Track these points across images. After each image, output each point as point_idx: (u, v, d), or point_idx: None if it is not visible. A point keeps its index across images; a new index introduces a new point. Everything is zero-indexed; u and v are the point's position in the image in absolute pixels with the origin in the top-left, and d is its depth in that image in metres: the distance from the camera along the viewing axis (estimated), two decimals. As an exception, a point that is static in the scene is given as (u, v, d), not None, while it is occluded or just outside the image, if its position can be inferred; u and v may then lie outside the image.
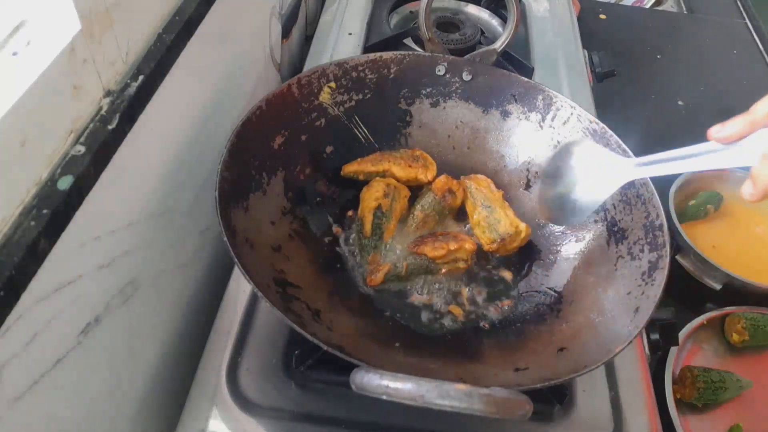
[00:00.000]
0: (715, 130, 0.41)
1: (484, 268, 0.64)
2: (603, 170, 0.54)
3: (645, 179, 0.58)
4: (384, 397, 0.37)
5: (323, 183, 0.66)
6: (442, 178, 0.65)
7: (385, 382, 0.37)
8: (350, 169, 0.67)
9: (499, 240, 0.62)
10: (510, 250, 0.64)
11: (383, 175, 0.66)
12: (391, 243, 0.63)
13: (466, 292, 0.62)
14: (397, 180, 0.66)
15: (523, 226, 0.63)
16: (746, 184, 0.40)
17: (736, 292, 0.82)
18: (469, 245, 0.61)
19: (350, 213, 0.66)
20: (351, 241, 0.64)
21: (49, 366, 0.42)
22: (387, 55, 0.68)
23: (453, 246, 0.61)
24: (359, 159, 0.67)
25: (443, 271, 0.62)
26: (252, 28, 0.78)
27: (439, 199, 0.64)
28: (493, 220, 0.63)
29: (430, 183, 0.66)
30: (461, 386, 0.36)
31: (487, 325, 0.59)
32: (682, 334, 0.77)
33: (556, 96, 0.67)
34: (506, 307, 0.61)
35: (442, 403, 0.35)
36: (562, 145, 0.62)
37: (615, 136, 0.62)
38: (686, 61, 1.25)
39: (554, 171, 0.59)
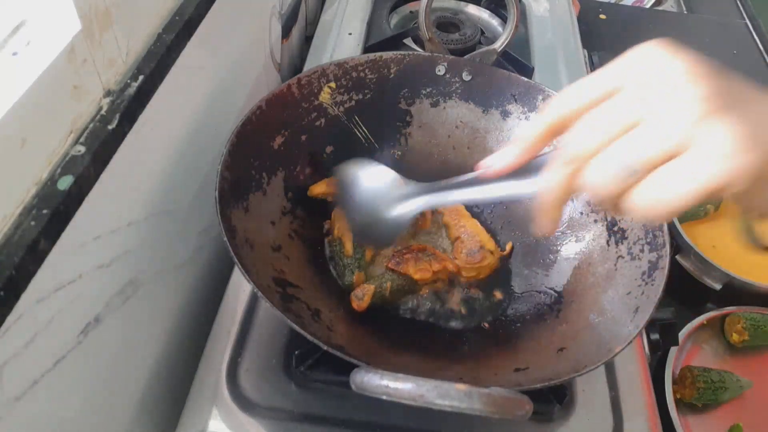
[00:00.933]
0: (484, 164, 0.35)
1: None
2: (394, 197, 0.50)
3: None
4: (384, 397, 0.37)
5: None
6: None
7: (385, 382, 0.37)
8: (318, 190, 0.63)
9: (477, 250, 0.62)
10: (482, 272, 0.62)
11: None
12: (371, 261, 0.62)
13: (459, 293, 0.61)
14: None
15: (494, 247, 0.63)
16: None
17: (736, 292, 0.82)
18: (450, 265, 0.61)
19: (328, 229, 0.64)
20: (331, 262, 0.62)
21: (49, 366, 0.42)
22: (387, 55, 0.68)
23: (436, 267, 0.59)
24: (325, 180, 0.64)
25: (424, 291, 0.61)
26: (252, 28, 0.78)
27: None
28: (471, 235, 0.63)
29: None
30: (461, 386, 0.36)
31: (487, 325, 0.59)
32: (682, 334, 0.77)
33: (556, 96, 0.67)
34: (500, 301, 0.61)
35: (442, 403, 0.35)
36: (343, 171, 0.57)
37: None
38: (686, 61, 1.25)
39: (350, 198, 0.55)
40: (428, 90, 0.70)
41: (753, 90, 0.30)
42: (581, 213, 0.64)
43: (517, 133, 0.69)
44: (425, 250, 0.62)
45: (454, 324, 0.59)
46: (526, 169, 0.34)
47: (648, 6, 1.50)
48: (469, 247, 0.62)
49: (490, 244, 0.63)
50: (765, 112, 0.28)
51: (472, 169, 0.69)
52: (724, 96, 0.28)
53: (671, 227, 0.84)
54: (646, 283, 0.53)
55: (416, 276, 0.59)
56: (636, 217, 0.30)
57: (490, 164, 0.35)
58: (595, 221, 0.62)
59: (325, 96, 0.66)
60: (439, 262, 0.60)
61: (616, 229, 0.60)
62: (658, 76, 0.29)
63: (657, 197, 0.28)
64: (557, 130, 0.32)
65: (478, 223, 0.65)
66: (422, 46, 0.91)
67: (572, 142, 0.30)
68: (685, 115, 0.27)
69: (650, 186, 0.28)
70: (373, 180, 0.54)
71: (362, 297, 0.57)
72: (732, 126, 0.27)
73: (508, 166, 0.34)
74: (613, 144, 0.29)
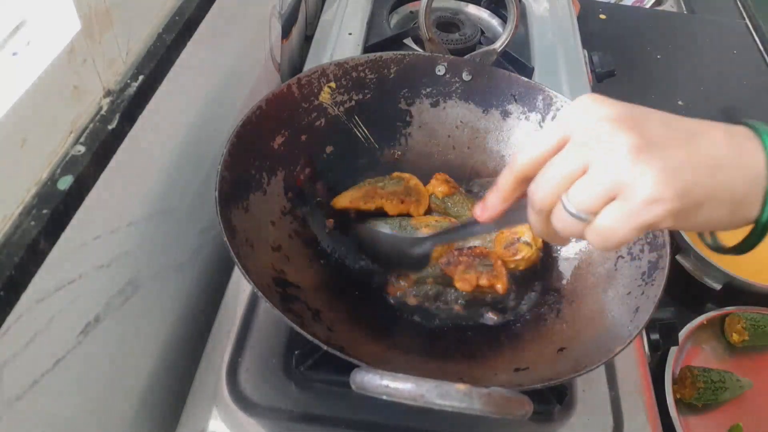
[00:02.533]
0: (478, 212, 0.41)
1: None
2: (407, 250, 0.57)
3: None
4: (384, 397, 0.37)
5: (323, 183, 0.66)
6: None
7: (385, 382, 0.37)
8: (342, 203, 0.64)
9: (514, 243, 0.61)
10: (519, 264, 0.62)
11: (376, 212, 0.64)
12: None
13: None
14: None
15: (534, 239, 0.62)
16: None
17: (736, 292, 0.82)
18: (500, 286, 0.59)
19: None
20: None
21: (49, 366, 0.42)
22: (387, 55, 0.68)
23: (483, 282, 0.59)
24: (351, 191, 0.65)
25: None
26: (252, 28, 0.78)
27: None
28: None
29: None
30: (461, 386, 0.36)
31: (494, 315, 0.59)
32: (682, 334, 0.76)
33: (557, 96, 0.67)
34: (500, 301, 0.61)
35: (442, 403, 0.35)
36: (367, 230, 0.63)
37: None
38: (686, 61, 1.25)
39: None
40: (428, 90, 0.70)
41: (675, 128, 0.34)
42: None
43: (518, 133, 0.69)
44: (486, 256, 0.61)
45: (454, 323, 0.59)
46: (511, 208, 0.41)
47: (648, 6, 1.50)
48: (508, 239, 0.62)
49: (530, 236, 0.62)
50: (687, 151, 0.32)
51: (472, 169, 0.70)
52: (648, 142, 0.32)
53: (671, 227, 0.84)
54: (646, 283, 0.53)
55: (457, 284, 0.59)
56: (597, 248, 0.35)
57: (479, 214, 0.41)
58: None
59: (325, 96, 0.66)
60: (489, 279, 0.59)
61: (616, 229, 0.60)
62: (593, 128, 0.34)
63: (604, 235, 0.34)
64: (524, 181, 0.38)
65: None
66: (422, 46, 0.91)
67: (536, 192, 0.36)
68: (615, 165, 0.32)
69: (598, 226, 0.34)
70: (389, 238, 0.60)
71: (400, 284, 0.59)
72: (653, 172, 0.31)
73: (495, 215, 0.40)
74: (564, 194, 0.34)
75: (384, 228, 0.61)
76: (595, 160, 0.33)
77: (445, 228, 0.60)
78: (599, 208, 0.33)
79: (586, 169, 0.33)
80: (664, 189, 0.31)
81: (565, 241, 0.39)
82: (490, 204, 0.40)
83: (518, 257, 0.61)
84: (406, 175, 0.67)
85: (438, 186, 0.66)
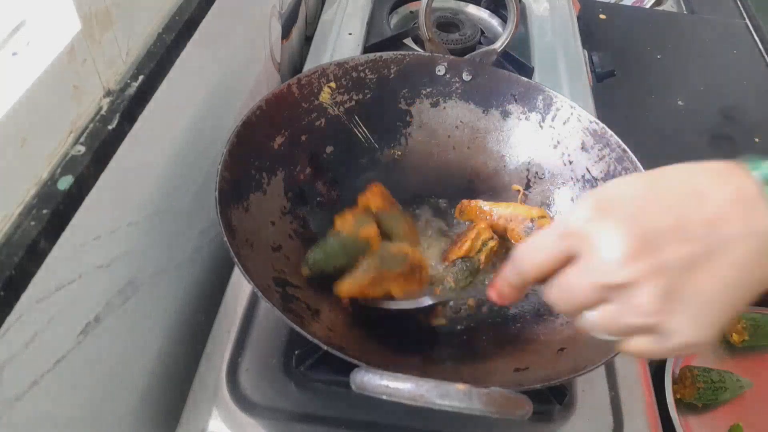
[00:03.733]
0: (494, 297, 0.41)
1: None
2: None
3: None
4: (384, 397, 0.37)
5: (323, 183, 0.66)
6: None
7: (384, 382, 0.37)
8: (350, 292, 0.56)
9: (532, 225, 0.61)
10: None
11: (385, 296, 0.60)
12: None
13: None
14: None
15: (540, 211, 0.63)
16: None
17: (736, 292, 0.82)
18: (484, 224, 0.61)
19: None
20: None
21: (49, 366, 0.42)
22: (387, 55, 0.68)
23: (472, 234, 0.61)
24: (357, 277, 0.56)
25: (483, 259, 0.61)
26: (252, 28, 0.78)
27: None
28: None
29: None
30: (461, 386, 0.36)
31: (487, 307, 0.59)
32: (682, 334, 0.76)
33: (556, 96, 0.67)
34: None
35: (442, 403, 0.35)
36: None
37: (615, 136, 0.62)
38: (686, 61, 1.25)
39: None
40: (428, 90, 0.70)
41: (692, 236, 0.32)
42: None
43: (518, 133, 0.69)
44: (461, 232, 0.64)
45: (454, 324, 0.59)
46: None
47: (648, 6, 1.50)
48: (522, 226, 0.62)
49: (535, 212, 0.62)
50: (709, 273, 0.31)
51: (472, 169, 0.70)
52: (664, 265, 0.31)
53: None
54: (646, 283, 0.53)
55: (461, 253, 0.61)
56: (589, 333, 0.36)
57: (496, 299, 0.41)
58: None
59: (325, 96, 0.66)
60: (473, 229, 0.62)
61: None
62: (607, 265, 0.32)
63: (590, 327, 0.35)
64: (532, 284, 0.38)
65: (504, 204, 0.65)
66: (422, 46, 0.91)
67: (556, 304, 0.36)
68: (642, 311, 0.31)
69: (586, 320, 0.34)
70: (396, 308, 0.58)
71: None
72: (686, 320, 0.31)
73: (512, 302, 0.41)
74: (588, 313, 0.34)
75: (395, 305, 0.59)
76: (620, 299, 0.32)
77: (451, 296, 0.61)
78: (630, 335, 0.34)
79: (607, 299, 0.33)
80: (702, 330, 0.31)
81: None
82: (506, 295, 0.40)
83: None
84: (408, 250, 0.61)
85: (373, 198, 0.63)
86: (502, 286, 0.40)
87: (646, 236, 0.31)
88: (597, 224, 0.32)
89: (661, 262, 0.31)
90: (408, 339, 0.57)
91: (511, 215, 0.63)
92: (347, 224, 0.59)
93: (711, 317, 0.32)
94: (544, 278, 0.36)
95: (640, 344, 0.33)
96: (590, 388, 0.57)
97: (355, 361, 0.43)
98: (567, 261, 0.34)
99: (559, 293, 0.35)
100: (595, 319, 0.34)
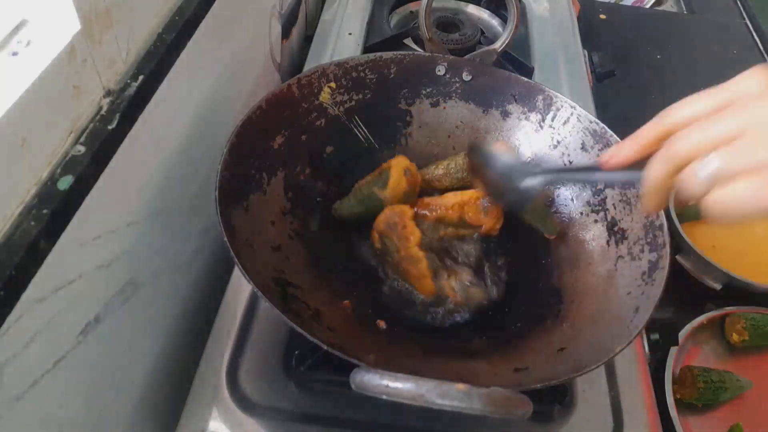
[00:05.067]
0: (606, 158, 0.40)
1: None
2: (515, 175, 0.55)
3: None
4: (384, 397, 0.37)
5: (323, 183, 0.66)
6: None
7: (384, 382, 0.37)
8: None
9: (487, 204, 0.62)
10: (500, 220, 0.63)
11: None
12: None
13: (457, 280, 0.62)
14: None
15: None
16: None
17: (736, 292, 0.82)
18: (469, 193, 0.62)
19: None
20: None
21: (49, 366, 0.42)
22: (387, 55, 0.68)
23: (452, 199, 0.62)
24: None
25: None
26: (252, 28, 0.78)
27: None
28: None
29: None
30: (461, 386, 0.36)
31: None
32: (682, 334, 0.76)
33: (556, 96, 0.67)
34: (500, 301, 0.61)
35: (442, 403, 0.36)
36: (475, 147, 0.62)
37: (615, 136, 0.62)
38: (686, 61, 1.25)
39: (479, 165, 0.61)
40: (428, 90, 0.70)
41: None
42: (581, 213, 0.64)
43: (518, 133, 0.69)
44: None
45: (454, 323, 0.59)
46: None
47: (648, 6, 1.50)
48: (476, 206, 0.62)
49: (479, 192, 0.63)
50: None
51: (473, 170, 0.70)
52: None
53: (671, 227, 0.84)
54: (646, 283, 0.53)
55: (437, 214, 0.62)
56: (712, 215, 0.33)
57: (606, 159, 0.40)
58: (596, 221, 0.62)
59: (325, 96, 0.66)
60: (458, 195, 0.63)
61: (616, 229, 0.60)
62: (763, 101, 0.32)
63: (727, 206, 0.32)
64: (668, 135, 0.36)
65: (450, 193, 0.65)
66: (422, 46, 0.91)
67: (678, 142, 0.34)
68: None
69: (725, 196, 0.32)
70: (505, 158, 0.57)
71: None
72: None
73: (624, 162, 0.39)
74: (712, 152, 0.33)
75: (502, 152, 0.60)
76: (751, 133, 0.31)
77: (563, 167, 0.59)
78: (735, 179, 0.32)
79: (738, 137, 0.32)
80: None
81: (664, 204, 0.38)
82: (624, 150, 0.38)
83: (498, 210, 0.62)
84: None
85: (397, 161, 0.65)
86: (623, 144, 0.39)
87: None
88: (765, 85, 0.33)
89: None
90: (408, 339, 0.57)
91: (461, 201, 0.63)
92: (366, 182, 0.64)
93: None
94: (683, 127, 0.34)
95: (740, 189, 0.32)
96: (590, 388, 0.57)
97: (355, 361, 0.43)
98: (717, 111, 0.33)
99: (693, 129, 0.34)
100: (715, 156, 0.33)
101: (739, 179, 0.32)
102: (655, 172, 0.36)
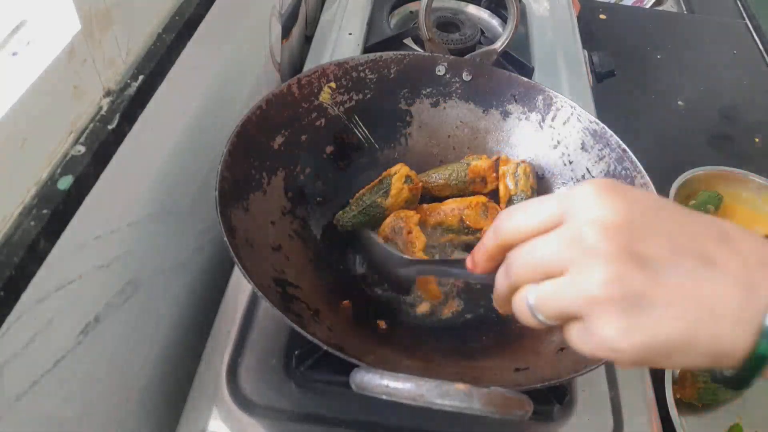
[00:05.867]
0: (469, 265, 0.39)
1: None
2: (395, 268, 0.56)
3: (646, 180, 0.58)
4: (384, 397, 0.37)
5: (323, 183, 0.66)
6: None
7: (384, 382, 0.37)
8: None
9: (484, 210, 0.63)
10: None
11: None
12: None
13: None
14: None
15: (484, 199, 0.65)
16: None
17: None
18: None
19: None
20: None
21: (49, 366, 0.42)
22: (387, 55, 0.68)
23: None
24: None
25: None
26: (252, 28, 0.78)
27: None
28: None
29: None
30: (461, 386, 0.36)
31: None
32: (682, 334, 0.76)
33: (557, 96, 0.67)
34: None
35: (442, 403, 0.35)
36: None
37: (615, 136, 0.62)
38: (686, 61, 1.25)
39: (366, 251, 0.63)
40: (428, 90, 0.70)
41: (686, 250, 0.29)
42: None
43: (518, 133, 0.69)
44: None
45: (453, 323, 0.59)
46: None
47: (648, 6, 1.50)
48: (478, 211, 0.64)
49: (483, 198, 0.65)
50: (680, 293, 0.29)
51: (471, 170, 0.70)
52: (634, 258, 0.29)
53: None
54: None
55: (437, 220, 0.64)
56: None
57: (470, 267, 0.39)
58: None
59: (325, 96, 0.66)
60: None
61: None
62: (586, 230, 0.30)
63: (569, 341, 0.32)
64: (509, 248, 0.35)
65: (450, 200, 0.66)
66: (422, 46, 0.91)
67: (509, 265, 0.34)
68: (587, 288, 0.29)
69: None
70: (381, 250, 0.59)
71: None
72: (617, 320, 0.28)
73: (484, 271, 0.38)
74: (533, 286, 0.32)
75: (378, 240, 0.62)
76: (573, 270, 0.30)
77: (435, 260, 0.61)
78: (558, 322, 0.32)
79: (564, 271, 0.30)
80: (621, 342, 0.29)
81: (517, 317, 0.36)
82: (478, 261, 0.38)
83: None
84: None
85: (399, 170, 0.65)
86: (476, 251, 0.38)
87: (644, 223, 0.29)
88: (599, 196, 0.30)
89: (641, 251, 0.29)
90: (408, 339, 0.57)
91: (461, 206, 0.64)
92: (366, 191, 0.65)
93: (641, 334, 0.28)
94: (518, 241, 0.34)
95: (567, 331, 0.32)
96: (590, 388, 0.57)
97: (355, 361, 0.43)
98: (549, 227, 0.32)
99: (520, 254, 0.33)
100: (539, 291, 0.32)
101: (563, 323, 0.32)
102: (499, 286, 0.36)
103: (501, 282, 0.35)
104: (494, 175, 0.66)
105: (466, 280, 0.59)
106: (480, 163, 0.67)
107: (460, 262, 0.41)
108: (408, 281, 0.59)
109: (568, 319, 0.31)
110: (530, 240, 0.33)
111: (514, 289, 0.34)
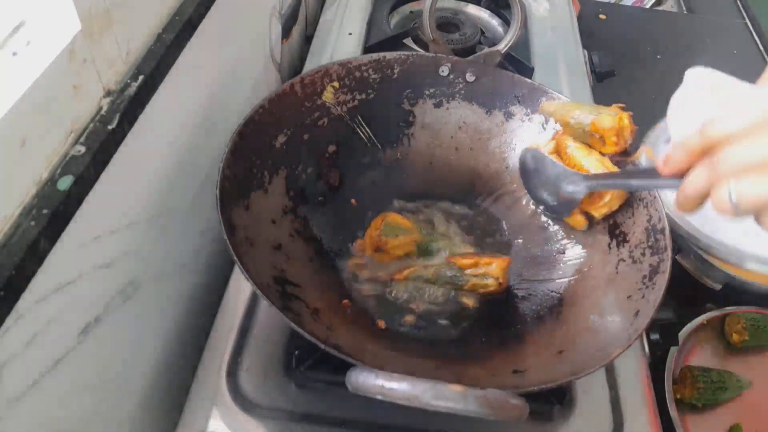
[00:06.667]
0: (661, 166, 0.42)
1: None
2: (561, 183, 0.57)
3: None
4: (379, 397, 0.37)
5: (325, 182, 0.66)
6: None
7: (380, 382, 0.36)
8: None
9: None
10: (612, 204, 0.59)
11: None
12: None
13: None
14: None
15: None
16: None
17: (736, 292, 0.82)
18: (502, 261, 0.60)
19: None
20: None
21: (49, 366, 0.42)
22: (391, 55, 0.68)
23: (484, 260, 0.60)
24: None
25: (469, 284, 0.61)
26: (252, 28, 0.78)
27: None
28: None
29: None
30: (456, 387, 0.35)
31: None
32: (682, 334, 0.76)
33: (560, 98, 0.67)
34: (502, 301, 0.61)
35: (437, 404, 0.35)
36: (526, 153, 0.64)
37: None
38: (686, 61, 1.24)
39: (529, 170, 0.64)
40: (431, 90, 0.70)
41: None
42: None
43: (520, 134, 0.69)
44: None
45: (453, 323, 0.59)
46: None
47: (648, 6, 1.50)
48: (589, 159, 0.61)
49: (607, 163, 0.61)
50: None
51: (474, 171, 0.70)
52: None
53: (671, 227, 0.84)
54: (647, 287, 0.53)
55: (459, 262, 0.61)
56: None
57: (662, 167, 0.41)
58: (597, 224, 0.62)
59: (328, 95, 0.65)
60: (491, 257, 0.61)
61: (617, 232, 0.60)
62: None
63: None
64: (712, 147, 0.37)
65: (594, 156, 0.62)
66: (422, 46, 0.91)
67: (721, 163, 0.36)
68: None
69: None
70: (549, 167, 0.60)
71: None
72: None
73: (679, 171, 0.40)
74: (735, 179, 0.35)
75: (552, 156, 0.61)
76: None
77: (611, 173, 0.58)
78: (756, 213, 0.34)
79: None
80: None
81: (699, 208, 0.39)
82: (676, 162, 0.40)
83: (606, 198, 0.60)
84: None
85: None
86: (674, 154, 0.40)
87: None
88: None
89: None
90: (408, 339, 0.57)
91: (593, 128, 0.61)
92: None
93: None
94: (725, 143, 0.36)
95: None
96: (590, 388, 0.57)
97: (350, 359, 0.43)
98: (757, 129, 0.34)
99: (736, 150, 0.35)
100: (744, 185, 0.34)
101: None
102: (696, 184, 0.38)
103: (700, 180, 0.37)
104: (613, 139, 0.60)
105: (641, 190, 0.57)
106: (603, 120, 0.60)
107: (639, 173, 0.45)
108: (574, 201, 0.58)
109: None
110: (742, 140, 0.35)
111: (713, 186, 0.36)
